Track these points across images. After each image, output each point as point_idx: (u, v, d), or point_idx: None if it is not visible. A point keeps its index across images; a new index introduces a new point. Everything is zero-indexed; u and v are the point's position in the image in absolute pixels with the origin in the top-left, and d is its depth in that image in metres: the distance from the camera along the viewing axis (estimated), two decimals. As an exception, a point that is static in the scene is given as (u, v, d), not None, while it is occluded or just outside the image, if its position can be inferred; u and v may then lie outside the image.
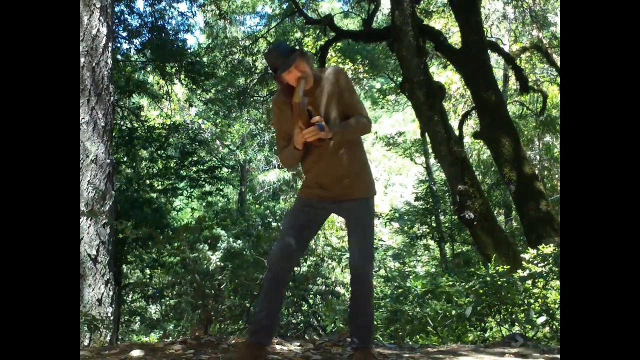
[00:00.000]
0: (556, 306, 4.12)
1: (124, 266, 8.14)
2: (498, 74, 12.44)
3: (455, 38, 11.35)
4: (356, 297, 2.41)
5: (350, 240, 2.41)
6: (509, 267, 4.55)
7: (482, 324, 4.45)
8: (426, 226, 11.50)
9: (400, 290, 4.80)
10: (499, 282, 4.18)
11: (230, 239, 4.86)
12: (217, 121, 14.64)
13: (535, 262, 4.71)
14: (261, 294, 2.46)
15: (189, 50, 10.44)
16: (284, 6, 12.55)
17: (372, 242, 2.41)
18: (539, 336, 4.02)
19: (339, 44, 11.97)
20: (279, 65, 2.28)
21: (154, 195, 8.58)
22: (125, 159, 8.72)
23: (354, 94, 2.44)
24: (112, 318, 4.02)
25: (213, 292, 4.22)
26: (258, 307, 2.47)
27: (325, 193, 2.38)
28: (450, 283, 4.64)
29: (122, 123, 9.29)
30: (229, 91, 12.69)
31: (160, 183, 8.83)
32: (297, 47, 2.36)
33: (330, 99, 2.36)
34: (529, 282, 4.43)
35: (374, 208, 2.49)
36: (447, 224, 11.45)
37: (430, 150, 11.87)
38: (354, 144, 2.42)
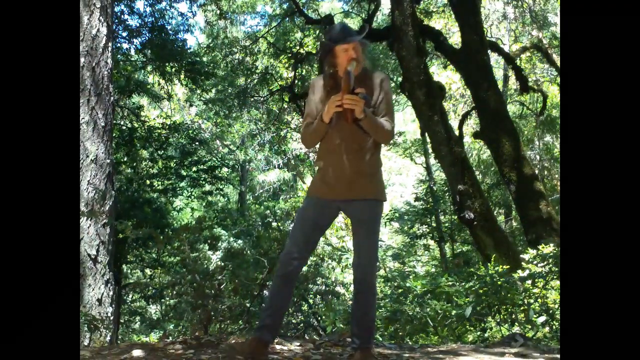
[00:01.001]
0: (556, 306, 4.12)
1: (124, 266, 8.14)
2: (498, 74, 12.43)
3: (455, 38, 11.34)
4: (359, 299, 2.41)
5: (355, 241, 2.40)
6: (508, 267, 4.55)
7: (482, 324, 4.46)
8: (426, 226, 11.50)
9: (400, 290, 4.80)
10: (499, 282, 4.18)
11: (231, 239, 4.87)
12: (217, 121, 14.64)
13: (535, 262, 4.71)
14: (269, 293, 2.47)
15: (189, 51, 10.44)
16: (284, 6, 12.54)
17: (377, 245, 2.41)
18: (539, 336, 4.02)
19: (339, 44, 11.93)
20: (342, 38, 2.30)
21: (154, 195, 8.59)
22: (125, 159, 8.72)
23: (390, 103, 2.43)
24: (112, 318, 4.02)
25: (213, 292, 4.22)
26: (265, 305, 2.48)
27: (333, 190, 2.37)
28: (450, 283, 4.64)
29: (122, 123, 9.29)
30: (229, 91, 12.69)
31: (160, 183, 8.84)
32: (365, 30, 2.39)
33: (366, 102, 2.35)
34: (529, 282, 4.43)
35: (382, 213, 2.47)
36: (447, 224, 11.44)
37: (430, 150, 11.86)
38: (372, 146, 2.40)
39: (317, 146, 2.50)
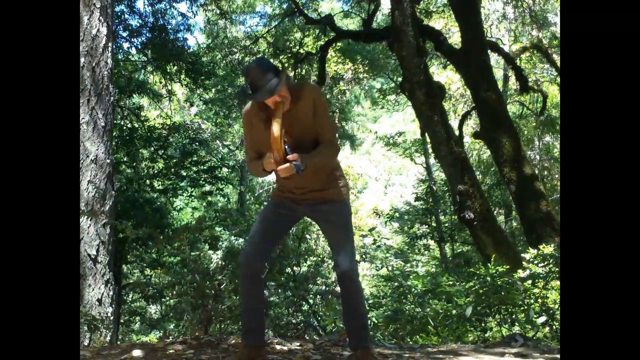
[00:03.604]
0: (556, 306, 4.12)
1: (124, 266, 8.13)
2: (498, 74, 12.44)
3: (455, 38, 11.35)
4: (346, 298, 2.41)
5: (331, 242, 2.41)
6: (508, 267, 4.56)
7: (482, 324, 4.45)
8: (426, 226, 11.50)
9: (400, 289, 4.80)
10: (499, 282, 4.18)
11: (232, 238, 4.86)
12: (217, 121, 14.64)
13: (536, 262, 4.71)
14: (241, 297, 2.46)
15: (189, 50, 10.44)
16: (284, 6, 12.55)
17: (352, 242, 2.41)
18: (539, 336, 4.02)
19: (339, 44, 11.98)
20: (261, 88, 2.17)
21: (154, 195, 8.58)
22: (125, 159, 8.72)
23: (326, 118, 2.36)
24: (112, 318, 4.03)
25: (213, 292, 4.22)
26: (242, 310, 2.47)
27: (297, 196, 2.39)
28: (451, 283, 4.64)
29: (122, 123, 9.29)
30: (229, 91, 12.70)
31: (160, 183, 8.83)
32: (279, 68, 2.27)
33: (305, 122, 2.30)
34: (529, 282, 4.43)
35: (351, 211, 2.48)
36: (447, 224, 11.45)
37: (430, 150, 11.87)
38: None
39: None
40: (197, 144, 9.55)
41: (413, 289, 4.68)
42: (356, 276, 2.40)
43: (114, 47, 5.83)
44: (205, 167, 9.18)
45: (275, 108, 2.21)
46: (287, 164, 2.19)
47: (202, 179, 9.07)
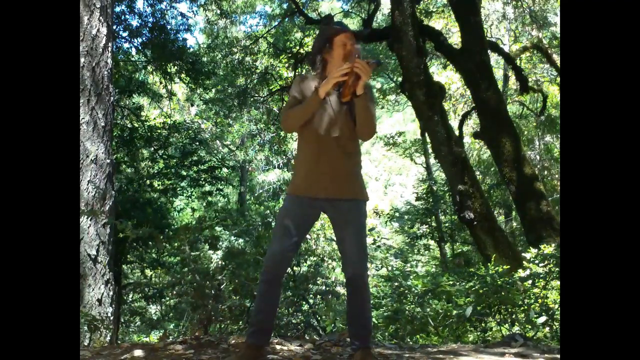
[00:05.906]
0: (556, 306, 4.12)
1: (124, 266, 8.13)
2: (498, 74, 12.44)
3: (455, 38, 11.35)
4: (354, 298, 2.40)
5: (344, 242, 2.37)
6: (508, 267, 4.56)
7: (482, 324, 4.46)
8: (426, 226, 11.50)
9: (400, 289, 4.80)
10: (499, 282, 4.18)
11: (232, 238, 4.86)
12: (217, 121, 14.65)
13: (536, 262, 4.72)
14: (257, 296, 2.44)
15: (189, 50, 10.44)
16: (284, 6, 12.56)
17: (366, 243, 2.41)
18: (539, 336, 4.02)
19: (339, 44, 11.95)
20: (343, 29, 2.35)
21: (155, 195, 8.58)
22: (125, 159, 8.72)
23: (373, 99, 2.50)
24: (112, 318, 4.02)
25: (213, 292, 4.22)
26: (255, 309, 2.45)
27: (318, 190, 2.34)
28: (451, 283, 4.64)
29: (122, 123, 9.29)
30: (229, 91, 12.70)
31: (160, 183, 8.83)
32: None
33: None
34: (529, 282, 4.43)
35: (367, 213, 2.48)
36: (447, 224, 11.44)
37: (430, 150, 11.87)
38: (357, 146, 2.41)
39: (297, 145, 2.47)
40: (197, 144, 9.55)
41: (413, 289, 4.68)
42: (366, 278, 2.39)
43: (114, 47, 5.83)
44: (205, 167, 9.18)
45: (345, 54, 2.33)
46: (366, 62, 2.23)
47: (202, 179, 9.06)
